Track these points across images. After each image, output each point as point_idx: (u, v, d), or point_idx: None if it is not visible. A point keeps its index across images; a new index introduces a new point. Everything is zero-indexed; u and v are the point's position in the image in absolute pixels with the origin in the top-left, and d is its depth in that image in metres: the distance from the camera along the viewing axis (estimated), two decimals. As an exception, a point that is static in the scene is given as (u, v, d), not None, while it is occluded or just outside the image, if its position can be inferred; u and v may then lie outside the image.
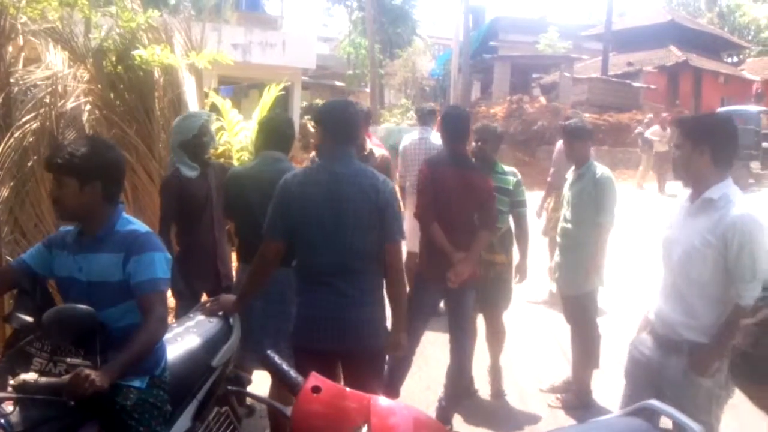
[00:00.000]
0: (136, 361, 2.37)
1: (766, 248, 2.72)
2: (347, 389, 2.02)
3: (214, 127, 4.75)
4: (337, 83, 30.34)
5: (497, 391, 4.88)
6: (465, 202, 4.07)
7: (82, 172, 2.48)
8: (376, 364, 3.17)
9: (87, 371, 2.16)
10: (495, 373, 4.91)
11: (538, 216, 7.38)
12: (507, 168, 4.74)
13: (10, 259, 5.14)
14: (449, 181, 4.08)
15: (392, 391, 3.97)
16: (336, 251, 2.98)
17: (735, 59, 36.39)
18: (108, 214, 2.59)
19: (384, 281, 3.12)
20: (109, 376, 2.22)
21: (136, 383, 2.51)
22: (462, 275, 3.93)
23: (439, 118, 5.42)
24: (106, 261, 2.51)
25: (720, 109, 21.35)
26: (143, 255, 2.48)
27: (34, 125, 5.61)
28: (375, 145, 5.62)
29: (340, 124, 3.11)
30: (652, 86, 26.80)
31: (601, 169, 4.66)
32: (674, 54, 28.43)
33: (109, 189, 2.58)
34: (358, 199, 2.96)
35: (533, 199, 4.56)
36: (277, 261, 3.11)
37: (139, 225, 2.64)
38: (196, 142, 4.19)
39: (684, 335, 2.86)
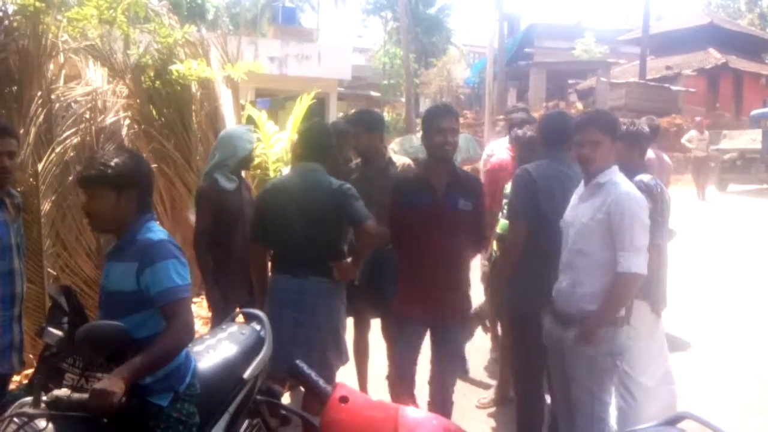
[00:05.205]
0: (155, 365, 2.32)
1: (643, 222, 3.09)
2: (373, 399, 2.02)
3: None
4: (373, 93, 30.39)
5: None
6: None
7: (118, 183, 2.47)
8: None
9: (98, 386, 2.12)
10: None
11: None
12: None
13: (52, 271, 5.26)
14: None
15: None
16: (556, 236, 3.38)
17: (777, 60, 35.53)
18: (134, 222, 2.54)
19: None
20: (122, 378, 2.16)
21: (159, 401, 2.45)
22: None
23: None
24: (122, 270, 2.47)
25: (754, 112, 20.87)
26: (156, 264, 2.41)
27: (75, 140, 5.75)
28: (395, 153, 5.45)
29: (554, 131, 3.70)
30: (692, 90, 26.32)
31: None
32: (713, 56, 27.84)
33: (143, 198, 2.57)
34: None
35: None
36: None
37: (155, 233, 2.54)
38: (250, 157, 4.41)
39: (576, 305, 3.17)
